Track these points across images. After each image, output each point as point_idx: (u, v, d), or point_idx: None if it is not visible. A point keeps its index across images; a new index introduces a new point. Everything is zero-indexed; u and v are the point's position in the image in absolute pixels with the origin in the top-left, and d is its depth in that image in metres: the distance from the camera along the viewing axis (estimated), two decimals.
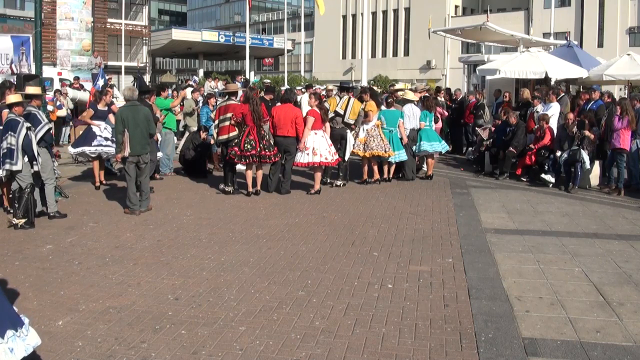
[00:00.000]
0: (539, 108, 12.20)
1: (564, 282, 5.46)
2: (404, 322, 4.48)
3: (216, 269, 5.74)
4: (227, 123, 9.53)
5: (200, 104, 13.29)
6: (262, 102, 10.09)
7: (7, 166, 7.27)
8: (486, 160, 12.19)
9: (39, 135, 7.65)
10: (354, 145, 10.56)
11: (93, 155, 9.94)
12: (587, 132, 10.13)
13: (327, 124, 9.98)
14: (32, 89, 8.19)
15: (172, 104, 11.74)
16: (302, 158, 9.62)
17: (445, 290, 5.20)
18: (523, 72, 14.45)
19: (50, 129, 7.95)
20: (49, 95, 14.98)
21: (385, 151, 10.53)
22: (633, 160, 10.26)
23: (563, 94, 13.18)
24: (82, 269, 5.70)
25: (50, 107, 14.57)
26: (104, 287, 5.18)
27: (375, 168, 10.79)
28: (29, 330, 3.23)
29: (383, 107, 11.19)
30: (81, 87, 18.35)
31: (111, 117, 9.95)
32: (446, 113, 14.68)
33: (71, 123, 16.41)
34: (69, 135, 16.53)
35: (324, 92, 15.96)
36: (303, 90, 17.68)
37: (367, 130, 10.59)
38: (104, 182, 10.13)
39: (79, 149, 9.97)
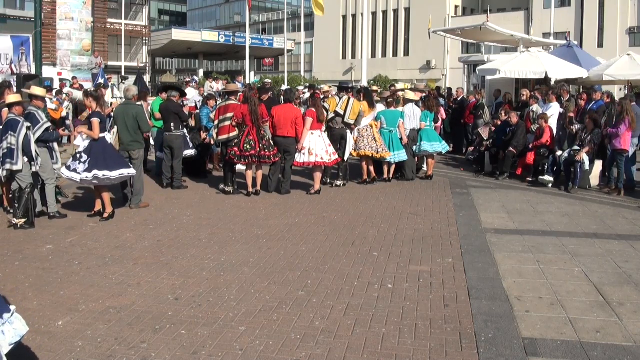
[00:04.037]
0: (535, 107, 12.22)
1: (564, 282, 5.46)
2: (404, 322, 4.48)
3: (216, 269, 5.74)
4: (227, 123, 9.55)
5: (199, 105, 13.31)
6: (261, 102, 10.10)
7: (7, 166, 7.28)
8: (486, 160, 12.19)
9: (37, 134, 7.64)
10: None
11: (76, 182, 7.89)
12: (582, 154, 10.05)
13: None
14: (37, 90, 8.18)
15: None
16: (298, 157, 9.66)
17: (445, 290, 5.20)
18: (523, 72, 14.45)
19: (49, 127, 7.92)
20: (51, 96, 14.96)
21: (377, 152, 10.51)
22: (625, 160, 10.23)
23: (569, 95, 13.16)
24: (82, 269, 5.70)
25: (54, 106, 14.57)
26: (104, 287, 5.18)
27: (372, 168, 10.78)
28: (15, 318, 3.22)
29: (382, 107, 11.19)
30: (81, 88, 18.36)
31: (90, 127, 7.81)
32: (444, 115, 14.71)
33: (72, 124, 16.39)
34: (69, 136, 16.50)
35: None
36: (304, 90, 17.65)
37: (358, 130, 10.59)
38: (108, 210, 7.83)
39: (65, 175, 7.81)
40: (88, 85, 19.56)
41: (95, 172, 7.56)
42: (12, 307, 3.21)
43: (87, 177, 7.58)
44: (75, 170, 7.64)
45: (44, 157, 7.75)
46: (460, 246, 6.67)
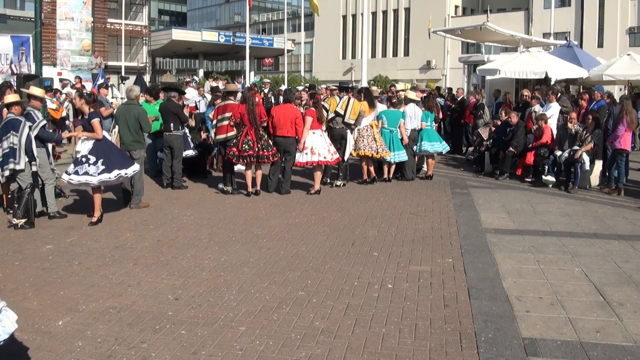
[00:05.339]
0: (537, 108, 12.23)
1: (564, 282, 5.46)
2: (404, 322, 4.48)
3: (216, 269, 5.74)
4: (225, 123, 9.55)
5: (205, 106, 13.29)
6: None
7: (10, 165, 7.27)
8: (486, 160, 12.19)
9: (35, 132, 7.61)
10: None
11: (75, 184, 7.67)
12: (580, 153, 10.05)
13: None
14: (35, 90, 8.18)
15: None
16: (300, 157, 9.65)
17: (445, 290, 5.20)
18: (523, 72, 14.46)
19: (45, 125, 7.90)
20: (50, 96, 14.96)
21: (377, 152, 10.50)
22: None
23: (560, 93, 13.19)
24: (82, 269, 5.70)
25: (54, 106, 14.56)
26: (104, 287, 5.18)
27: (372, 168, 10.77)
28: (4, 316, 3.20)
29: (383, 107, 11.19)
30: (83, 88, 18.34)
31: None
32: (441, 115, 14.71)
33: (72, 124, 16.39)
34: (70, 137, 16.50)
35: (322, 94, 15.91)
36: (304, 90, 17.63)
37: (358, 130, 10.59)
38: (97, 215, 7.59)
39: (64, 178, 7.68)
40: (89, 85, 19.56)
41: (116, 171, 7.52)
42: (1, 304, 3.19)
43: (109, 178, 7.47)
44: (87, 173, 7.39)
45: (42, 157, 7.74)
46: (460, 246, 6.66)
